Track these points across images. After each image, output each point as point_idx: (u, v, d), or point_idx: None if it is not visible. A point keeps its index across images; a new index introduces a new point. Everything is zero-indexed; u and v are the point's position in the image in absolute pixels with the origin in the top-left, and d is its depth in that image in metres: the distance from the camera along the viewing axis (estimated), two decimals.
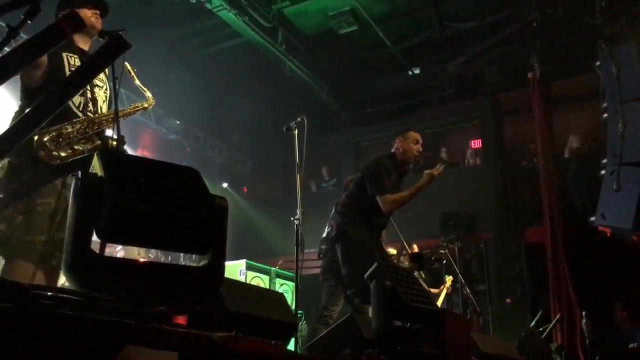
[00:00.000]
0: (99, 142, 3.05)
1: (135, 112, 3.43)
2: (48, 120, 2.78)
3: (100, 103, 3.25)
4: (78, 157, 2.95)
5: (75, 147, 2.96)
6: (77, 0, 3.20)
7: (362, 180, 4.88)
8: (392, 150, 5.05)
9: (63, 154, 2.90)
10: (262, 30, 9.49)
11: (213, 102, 11.33)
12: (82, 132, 2.99)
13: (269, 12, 9.47)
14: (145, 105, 3.46)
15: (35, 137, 2.83)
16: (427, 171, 4.84)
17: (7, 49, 1.81)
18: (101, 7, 3.28)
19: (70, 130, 2.95)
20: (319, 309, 5.60)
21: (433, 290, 7.72)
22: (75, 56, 3.20)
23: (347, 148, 13.46)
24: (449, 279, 7.77)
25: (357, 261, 4.42)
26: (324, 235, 5.97)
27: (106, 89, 3.33)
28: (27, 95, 3.03)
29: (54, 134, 2.88)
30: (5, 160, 2.95)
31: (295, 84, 11.19)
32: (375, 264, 3.00)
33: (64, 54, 3.15)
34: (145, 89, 3.44)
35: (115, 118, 2.96)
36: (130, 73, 3.30)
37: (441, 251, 7.82)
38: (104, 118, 3.12)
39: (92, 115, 3.11)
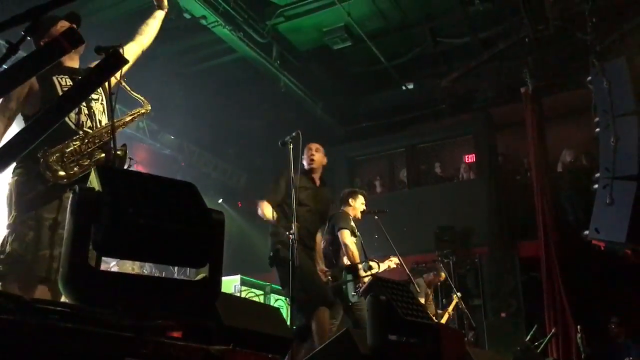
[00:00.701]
0: (103, 155, 3.06)
1: (134, 119, 3.43)
2: (48, 141, 2.82)
3: (98, 116, 3.26)
4: (84, 173, 2.97)
5: (82, 164, 2.99)
6: (50, 18, 3.22)
7: None
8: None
9: (71, 172, 2.93)
10: (257, 46, 9.54)
11: (208, 117, 11.36)
12: (85, 147, 3.01)
13: (263, 28, 9.54)
14: (143, 110, 3.45)
15: (41, 160, 2.86)
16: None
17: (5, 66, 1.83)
18: (76, 20, 3.29)
19: (72, 148, 2.97)
20: None
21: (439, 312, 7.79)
22: (65, 76, 3.22)
23: (342, 163, 13.48)
24: (455, 297, 7.82)
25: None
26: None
27: (102, 100, 3.33)
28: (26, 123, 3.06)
29: (57, 154, 2.91)
30: (12, 179, 2.97)
31: (289, 99, 11.23)
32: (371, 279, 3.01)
33: (54, 77, 3.17)
34: (139, 96, 3.43)
35: (112, 132, 2.97)
36: (121, 83, 3.31)
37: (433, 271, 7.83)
38: (103, 131, 3.13)
39: (90, 131, 3.12)
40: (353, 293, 5.61)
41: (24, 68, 1.68)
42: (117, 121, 3.20)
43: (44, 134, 2.60)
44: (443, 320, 7.58)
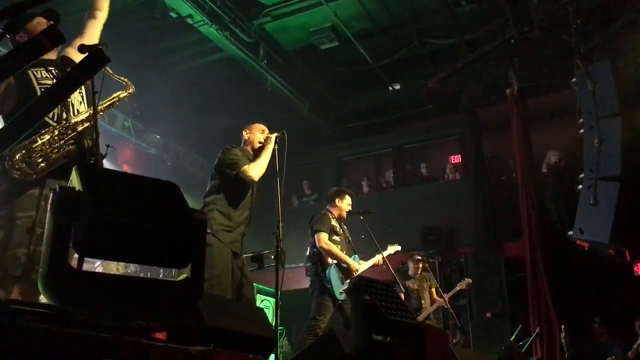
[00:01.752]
0: (73, 146, 3.00)
1: (114, 103, 3.32)
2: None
3: (77, 106, 3.20)
4: (54, 167, 2.91)
5: (51, 158, 2.92)
6: (29, 16, 3.17)
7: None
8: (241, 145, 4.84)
9: (38, 168, 2.87)
10: (244, 45, 9.52)
11: (194, 117, 11.31)
12: (54, 141, 2.95)
13: (250, 28, 9.52)
14: (125, 93, 3.36)
15: (6, 158, 2.79)
16: (269, 135, 4.76)
17: None
18: (54, 17, 3.25)
19: (39, 143, 2.90)
20: (308, 319, 5.64)
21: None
22: (41, 69, 3.17)
23: (329, 163, 13.51)
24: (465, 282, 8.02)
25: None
26: (307, 253, 6.02)
27: (80, 89, 3.27)
28: (5, 120, 3.01)
29: (23, 151, 2.84)
30: None
31: (276, 99, 11.22)
32: (354, 278, 3.01)
33: (29, 71, 3.12)
34: (122, 78, 3.35)
35: (95, 128, 2.92)
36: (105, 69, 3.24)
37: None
38: (79, 120, 3.07)
39: (59, 125, 3.05)
40: (341, 290, 5.63)
41: (2, 67, 1.66)
42: (75, 124, 3.11)
43: (24, 134, 2.58)
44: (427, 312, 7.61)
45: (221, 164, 4.58)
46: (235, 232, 4.46)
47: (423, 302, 7.64)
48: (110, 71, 3.27)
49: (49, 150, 2.91)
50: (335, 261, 5.82)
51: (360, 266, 5.97)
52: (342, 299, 5.62)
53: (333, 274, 5.74)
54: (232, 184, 4.50)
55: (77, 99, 3.24)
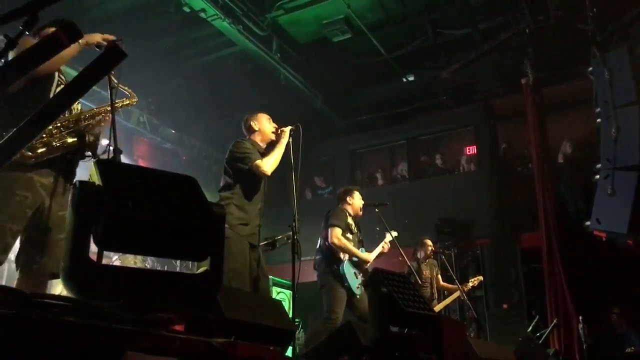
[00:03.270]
0: (75, 139, 3.01)
1: (116, 109, 3.28)
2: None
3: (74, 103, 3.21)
4: (53, 154, 2.93)
5: (50, 145, 2.93)
6: (43, 24, 3.16)
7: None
8: (249, 136, 4.81)
9: (37, 152, 2.87)
10: (257, 38, 9.53)
11: (208, 111, 11.35)
12: (57, 131, 2.97)
13: (263, 21, 9.52)
14: (127, 102, 3.39)
15: None
16: (283, 129, 4.73)
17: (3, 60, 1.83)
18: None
19: (49, 128, 2.93)
20: (323, 312, 5.63)
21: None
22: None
23: (343, 155, 13.50)
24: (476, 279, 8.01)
25: None
26: (317, 246, 6.01)
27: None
28: (6, 99, 2.96)
29: None
30: None
31: (289, 92, 11.22)
32: (372, 270, 3.02)
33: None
34: (125, 88, 3.35)
35: (112, 125, 2.95)
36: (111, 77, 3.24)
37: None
38: (81, 116, 3.09)
39: (68, 115, 3.07)
40: (358, 285, 5.63)
41: (22, 63, 1.68)
42: (97, 108, 3.15)
43: (42, 130, 2.60)
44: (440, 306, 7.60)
45: (233, 157, 4.59)
46: (251, 225, 4.48)
47: (434, 290, 7.65)
48: (116, 80, 3.24)
49: (50, 138, 2.93)
50: (347, 256, 5.80)
51: (370, 255, 5.99)
52: (359, 294, 5.61)
53: (348, 270, 5.71)
54: (245, 177, 4.51)
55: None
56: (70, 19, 3.22)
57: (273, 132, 4.78)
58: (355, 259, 5.84)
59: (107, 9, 8.83)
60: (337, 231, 5.74)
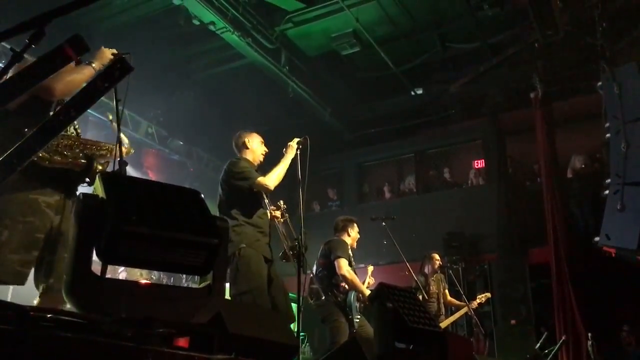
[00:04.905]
0: (84, 161, 2.97)
1: (106, 154, 3.11)
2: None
3: (73, 126, 3.15)
4: (57, 166, 2.89)
5: (67, 154, 2.91)
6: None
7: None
8: (242, 153, 4.75)
9: (54, 158, 2.85)
10: (266, 51, 9.58)
11: (216, 123, 11.39)
12: (68, 146, 2.93)
13: (272, 34, 9.57)
14: (125, 150, 3.16)
15: None
16: (290, 143, 4.70)
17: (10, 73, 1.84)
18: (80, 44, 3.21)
19: (60, 140, 2.90)
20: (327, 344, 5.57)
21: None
22: None
23: (351, 168, 13.49)
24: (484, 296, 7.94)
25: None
26: (314, 274, 5.88)
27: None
28: (6, 114, 2.88)
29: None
30: None
31: (298, 105, 11.25)
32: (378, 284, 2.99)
33: None
34: (124, 137, 3.19)
35: (117, 141, 2.94)
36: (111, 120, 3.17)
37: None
38: (93, 145, 3.04)
39: (76, 136, 3.05)
40: (357, 318, 5.57)
41: (28, 76, 1.69)
42: (91, 144, 3.07)
43: (48, 142, 2.59)
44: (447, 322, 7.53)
45: (232, 176, 4.52)
46: (264, 239, 4.46)
47: (441, 305, 7.58)
48: (115, 126, 3.12)
49: (59, 150, 2.89)
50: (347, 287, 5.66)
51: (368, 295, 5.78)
52: (357, 328, 5.52)
53: (354, 301, 5.61)
54: (247, 194, 4.47)
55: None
56: (80, 32, 3.25)
57: (262, 155, 4.75)
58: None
59: (117, 22, 8.91)
60: (345, 262, 5.59)
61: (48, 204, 2.88)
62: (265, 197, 4.64)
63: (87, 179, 3.00)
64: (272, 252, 4.55)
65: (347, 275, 5.53)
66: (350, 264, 5.72)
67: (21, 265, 2.77)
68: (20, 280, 2.78)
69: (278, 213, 4.77)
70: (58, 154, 2.88)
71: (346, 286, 5.64)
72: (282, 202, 4.87)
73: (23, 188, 2.83)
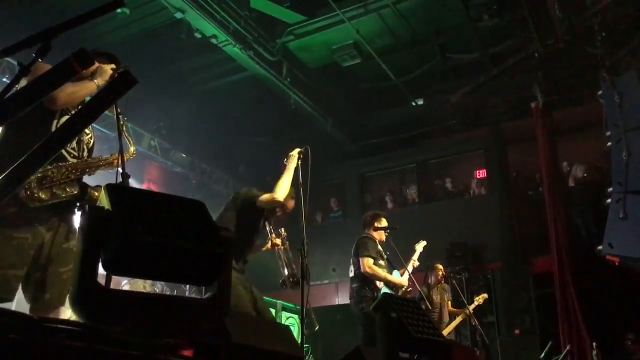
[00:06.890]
0: (78, 189, 2.96)
1: (111, 165, 3.14)
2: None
3: (85, 148, 3.16)
4: (55, 201, 2.87)
5: (55, 191, 2.88)
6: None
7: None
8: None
9: (43, 197, 2.82)
10: (267, 64, 9.64)
11: (219, 135, 11.44)
12: (65, 176, 2.91)
13: (273, 47, 9.64)
14: (127, 156, 3.20)
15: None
16: (291, 153, 4.71)
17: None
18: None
19: (55, 173, 2.88)
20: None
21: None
22: None
23: (352, 179, 13.49)
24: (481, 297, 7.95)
25: None
26: (352, 274, 5.99)
27: (91, 137, 3.23)
28: (9, 127, 2.90)
29: (39, 175, 2.80)
30: None
31: (299, 116, 11.30)
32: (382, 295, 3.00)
33: None
34: (129, 137, 3.26)
35: (120, 155, 2.94)
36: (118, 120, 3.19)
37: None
38: (92, 164, 3.05)
39: (77, 161, 3.03)
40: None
41: (36, 89, 1.71)
42: (92, 160, 3.09)
43: (50, 158, 2.59)
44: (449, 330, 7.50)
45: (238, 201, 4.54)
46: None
47: (443, 315, 7.57)
48: (125, 131, 3.14)
49: (57, 184, 2.87)
50: (382, 283, 5.84)
51: (403, 280, 6.02)
52: None
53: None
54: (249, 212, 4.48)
55: (86, 142, 3.17)
56: (85, 45, 3.28)
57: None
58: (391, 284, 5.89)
59: (121, 35, 8.97)
60: (368, 260, 5.77)
61: (39, 220, 2.85)
62: (267, 224, 4.65)
63: (77, 205, 2.97)
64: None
65: (369, 271, 5.74)
66: (380, 259, 5.92)
67: (16, 281, 2.76)
68: (11, 294, 2.76)
69: (278, 240, 4.81)
70: (50, 189, 2.84)
71: (378, 283, 5.81)
72: (282, 229, 4.91)
73: (19, 208, 2.79)
